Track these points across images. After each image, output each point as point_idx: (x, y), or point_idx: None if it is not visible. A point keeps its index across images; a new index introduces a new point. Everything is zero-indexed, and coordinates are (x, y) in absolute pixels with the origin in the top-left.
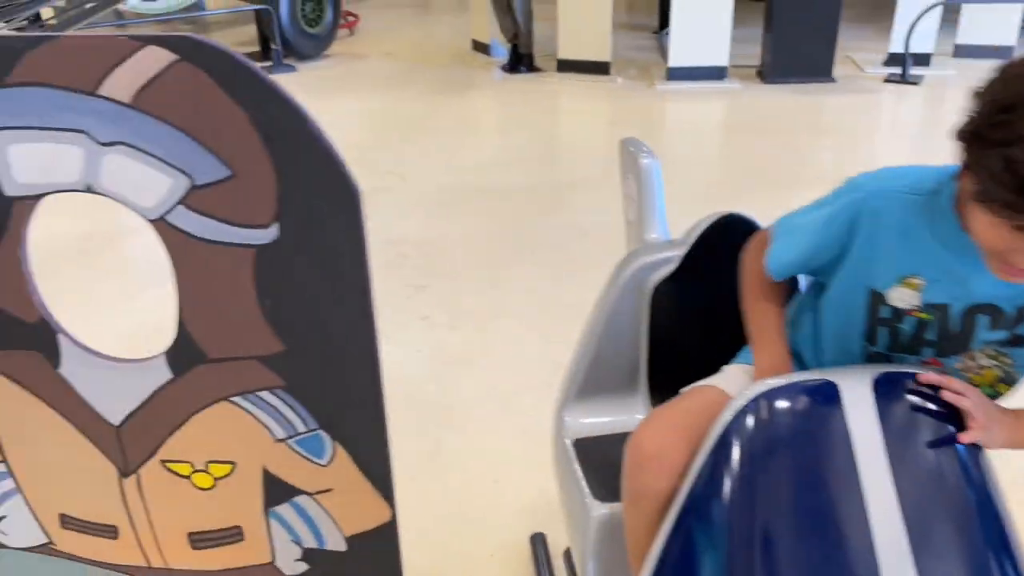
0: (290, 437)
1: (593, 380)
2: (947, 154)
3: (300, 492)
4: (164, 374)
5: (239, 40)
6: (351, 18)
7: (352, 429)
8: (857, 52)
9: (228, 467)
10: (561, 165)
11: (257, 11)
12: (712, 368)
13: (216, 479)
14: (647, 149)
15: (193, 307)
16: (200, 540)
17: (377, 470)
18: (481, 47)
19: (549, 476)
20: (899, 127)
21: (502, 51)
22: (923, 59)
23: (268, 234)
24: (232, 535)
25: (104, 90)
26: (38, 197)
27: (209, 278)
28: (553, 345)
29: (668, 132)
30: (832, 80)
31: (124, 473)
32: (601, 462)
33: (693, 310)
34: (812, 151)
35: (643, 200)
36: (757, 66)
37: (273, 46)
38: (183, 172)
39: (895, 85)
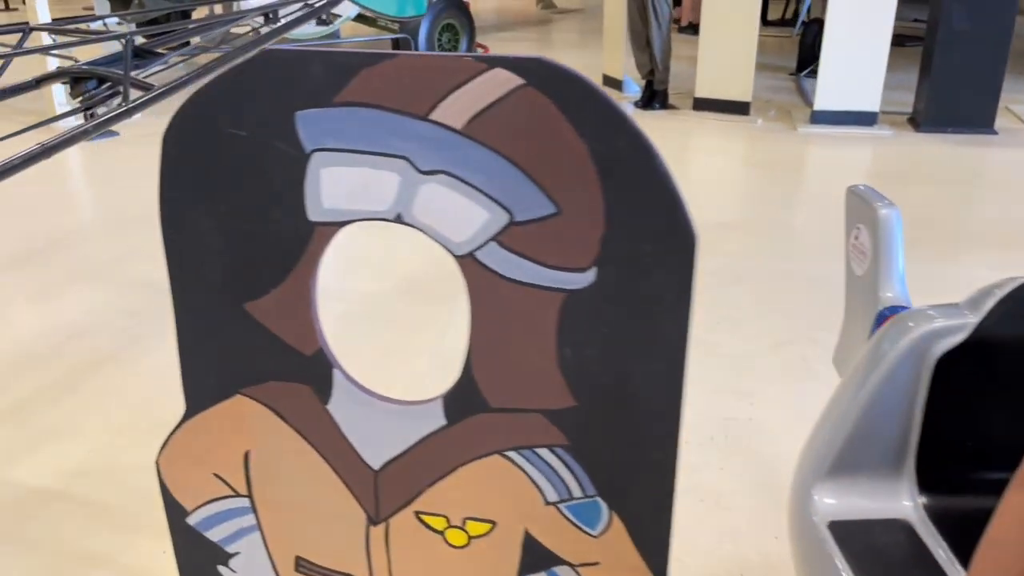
0: (562, 501)
1: (850, 456)
2: None
3: (562, 562)
4: (438, 420)
5: None
6: (480, 49)
7: (636, 500)
8: (1016, 104)
9: (487, 526)
10: (707, 206)
11: (395, 40)
12: (993, 454)
13: (471, 538)
14: (885, 198)
15: (484, 351)
16: None
17: (655, 548)
18: (613, 82)
19: None
20: None
21: (635, 87)
22: None
23: (584, 278)
24: None
25: (436, 115)
26: (341, 224)
27: (509, 321)
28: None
29: (813, 178)
30: (993, 132)
31: (373, 521)
32: (864, 549)
33: (980, 388)
34: (977, 204)
35: (880, 255)
36: (909, 113)
37: None
38: (503, 207)
39: None
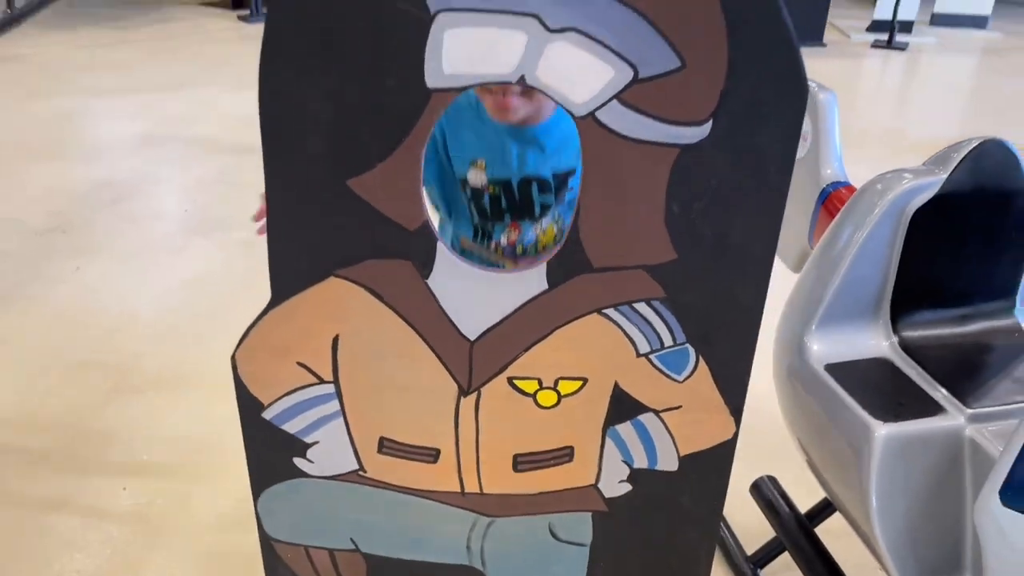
0: (654, 352)
1: (835, 308)
2: (933, 109)
3: (646, 410)
4: (540, 285)
5: None
6: None
7: (722, 343)
8: (839, 19)
9: (578, 383)
10: None
11: None
12: (959, 297)
13: (561, 396)
14: (821, 84)
15: (593, 213)
16: (525, 462)
17: (735, 386)
18: None
19: None
20: (888, 89)
21: None
22: (906, 26)
23: (699, 132)
24: (561, 456)
25: None
26: (459, 90)
27: (621, 181)
28: None
29: None
30: (823, 44)
31: (465, 392)
32: (858, 383)
33: (945, 237)
34: None
35: (820, 136)
36: None
37: None
38: (629, 63)
39: (882, 50)
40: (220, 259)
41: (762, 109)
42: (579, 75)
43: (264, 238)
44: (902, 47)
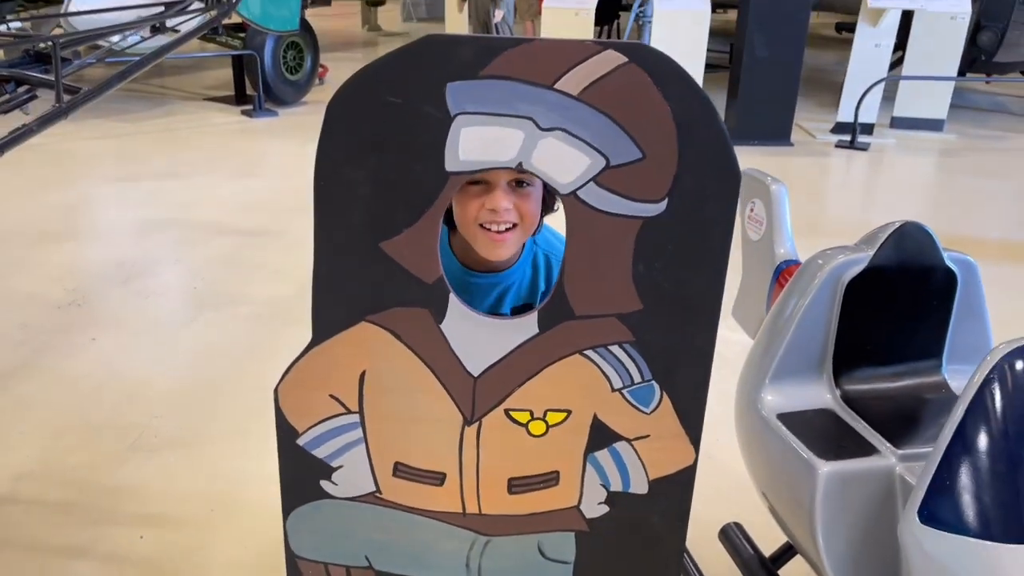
0: (625, 387)
1: (785, 365)
2: (894, 207)
3: (620, 438)
4: (532, 329)
5: (211, 84)
6: (321, 68)
7: (681, 381)
8: (805, 121)
9: (563, 415)
10: None
11: (238, 56)
12: (893, 357)
13: (549, 426)
14: (773, 176)
15: (575, 270)
16: (519, 485)
17: (693, 418)
18: None
19: None
20: (852, 185)
21: None
22: (867, 128)
23: (658, 208)
24: (549, 479)
25: (559, 84)
26: (470, 173)
27: (596, 245)
28: None
29: None
30: (790, 143)
31: (468, 422)
32: (805, 430)
33: (875, 304)
34: None
35: (774, 221)
36: None
37: (252, 92)
38: (602, 154)
39: (845, 150)
40: (228, 331)
41: (705, 191)
42: (564, 163)
43: (261, 312)
44: (864, 147)
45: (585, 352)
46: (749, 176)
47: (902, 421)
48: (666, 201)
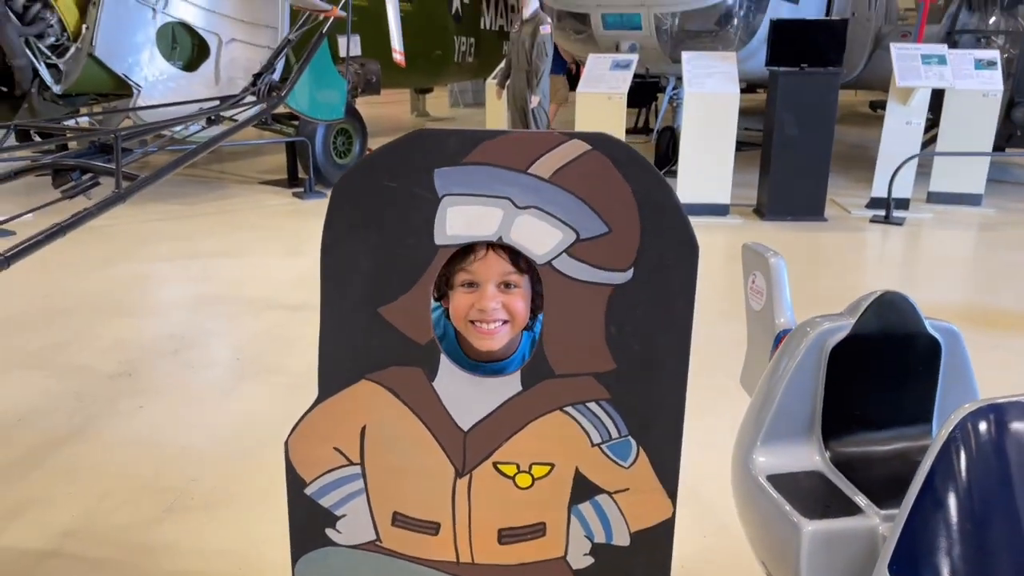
0: (604, 442)
1: (775, 428)
2: (928, 280)
3: (601, 491)
4: (516, 387)
5: (266, 168)
6: (368, 151)
7: (656, 437)
8: (840, 196)
9: (547, 468)
10: None
11: (291, 142)
12: (882, 421)
13: (535, 479)
14: (774, 249)
15: (553, 333)
16: (508, 536)
17: (669, 472)
18: None
19: None
20: (887, 259)
21: None
22: (903, 203)
23: (624, 276)
24: (536, 531)
25: (532, 169)
26: (457, 246)
27: (571, 310)
28: None
29: None
30: (824, 219)
31: (460, 474)
32: (794, 491)
33: (859, 370)
34: (816, 275)
35: (773, 292)
36: (755, 205)
37: (304, 175)
38: (573, 229)
39: (880, 225)
40: (267, 400)
41: (667, 261)
42: (539, 237)
43: (296, 383)
44: (899, 222)
45: (565, 408)
46: (750, 249)
47: (889, 483)
48: (632, 270)
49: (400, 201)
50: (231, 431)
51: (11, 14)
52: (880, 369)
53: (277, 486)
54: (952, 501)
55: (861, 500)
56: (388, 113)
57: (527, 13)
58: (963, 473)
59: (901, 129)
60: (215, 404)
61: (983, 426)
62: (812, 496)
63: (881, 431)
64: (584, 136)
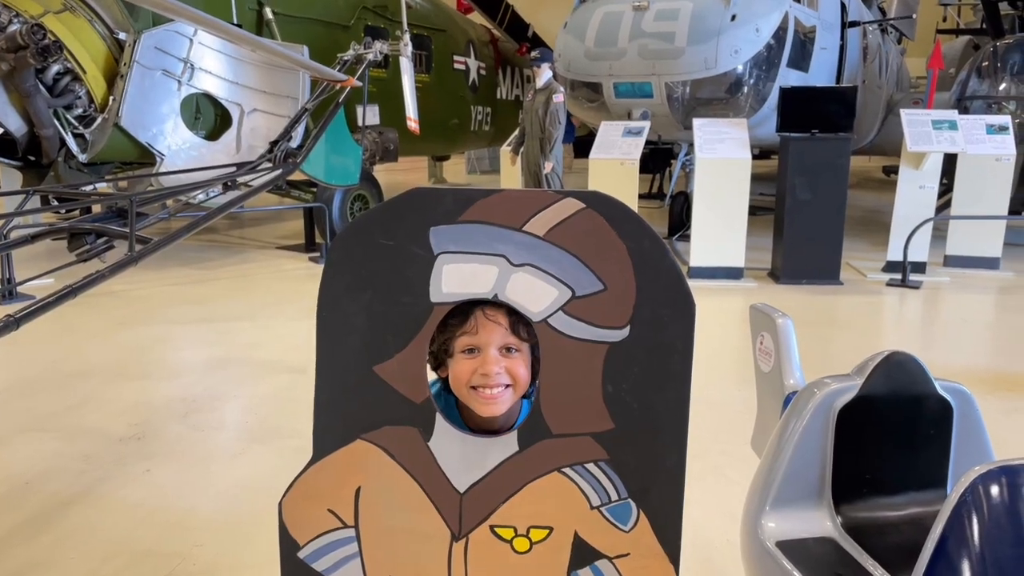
0: (603, 505)
1: (784, 493)
2: (947, 340)
3: (601, 556)
4: (512, 447)
5: (284, 234)
6: None
7: (656, 500)
8: (856, 260)
9: (545, 532)
10: None
11: (309, 209)
12: (896, 485)
13: (533, 543)
14: (781, 311)
15: (549, 391)
16: None
17: (671, 536)
18: None
19: None
20: (903, 322)
21: None
22: (919, 267)
23: (621, 334)
24: None
25: (527, 227)
26: (452, 304)
27: (568, 367)
28: None
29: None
30: (839, 283)
31: (456, 537)
32: (805, 559)
33: (869, 432)
34: (831, 339)
35: (781, 353)
36: (769, 269)
37: (320, 240)
38: (568, 286)
39: (897, 288)
40: (274, 463)
41: (663, 318)
42: (535, 294)
43: (304, 446)
44: (915, 285)
45: (563, 470)
46: (758, 311)
47: (903, 551)
48: (628, 327)
49: (396, 259)
50: (237, 495)
51: (41, 86)
52: (890, 431)
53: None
54: (965, 568)
55: (874, 569)
56: (406, 180)
57: (540, 82)
58: (975, 538)
59: (915, 193)
60: (223, 467)
61: (995, 489)
62: (823, 564)
63: (894, 495)
64: (578, 194)
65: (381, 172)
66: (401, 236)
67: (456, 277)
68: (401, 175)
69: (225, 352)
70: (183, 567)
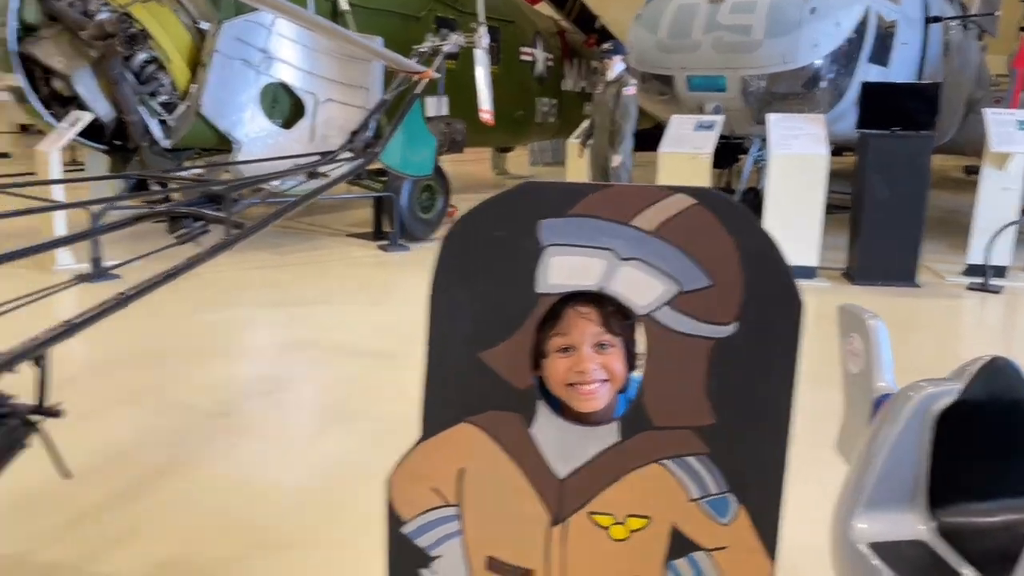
0: (702, 498)
1: (879, 494)
2: None
3: (699, 548)
4: (613, 437)
5: (353, 221)
6: (450, 208)
7: (756, 494)
8: (933, 262)
9: (644, 521)
10: None
11: (379, 197)
12: (994, 490)
13: (631, 532)
14: (871, 311)
15: (653, 385)
16: None
17: (769, 531)
18: None
19: None
20: (983, 327)
21: None
22: (1000, 271)
23: (727, 330)
24: None
25: (635, 222)
26: (558, 295)
27: (672, 362)
28: None
29: None
30: (916, 285)
31: (555, 522)
32: (898, 561)
33: (968, 437)
34: (908, 343)
35: (872, 355)
36: (844, 269)
37: (388, 229)
38: (676, 281)
39: (978, 293)
40: (350, 444)
41: (770, 315)
42: (641, 288)
43: (380, 428)
44: (996, 290)
45: (663, 462)
46: (847, 311)
47: (997, 556)
48: (735, 324)
49: (506, 250)
50: (317, 472)
51: (127, 73)
52: (988, 436)
53: (360, 530)
54: None
55: (968, 572)
56: (470, 171)
57: (612, 75)
58: None
59: (997, 195)
60: (306, 445)
61: None
62: (916, 566)
63: (989, 501)
64: (689, 190)
65: (446, 163)
66: (511, 228)
67: (563, 269)
68: (465, 166)
69: (302, 335)
70: (267, 538)
